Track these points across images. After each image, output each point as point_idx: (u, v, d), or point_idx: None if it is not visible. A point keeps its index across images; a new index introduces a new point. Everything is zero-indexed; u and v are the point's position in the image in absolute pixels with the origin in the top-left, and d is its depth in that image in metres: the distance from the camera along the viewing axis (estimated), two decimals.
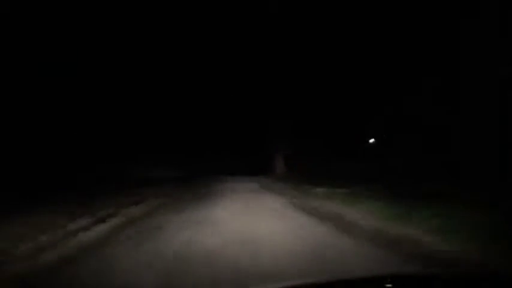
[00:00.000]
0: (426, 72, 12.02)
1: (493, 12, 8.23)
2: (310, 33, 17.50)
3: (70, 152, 15.96)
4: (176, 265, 3.51)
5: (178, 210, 7.50)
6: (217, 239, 4.47)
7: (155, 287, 2.98)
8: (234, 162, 26.98)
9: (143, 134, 22.04)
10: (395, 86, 14.37)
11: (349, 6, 15.38)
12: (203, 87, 23.05)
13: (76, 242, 4.67)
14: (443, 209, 5.41)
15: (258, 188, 13.22)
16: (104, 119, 18.45)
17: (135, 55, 18.84)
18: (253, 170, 23.16)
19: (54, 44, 14.37)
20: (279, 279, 2.90)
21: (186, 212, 7.10)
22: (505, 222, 4.49)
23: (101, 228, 5.49)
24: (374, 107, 16.81)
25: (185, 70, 21.74)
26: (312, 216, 6.43)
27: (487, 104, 8.37)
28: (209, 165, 25.59)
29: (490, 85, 8.33)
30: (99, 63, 16.98)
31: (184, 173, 21.18)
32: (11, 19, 12.15)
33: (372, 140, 19.44)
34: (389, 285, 1.45)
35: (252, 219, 6.09)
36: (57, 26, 14.18)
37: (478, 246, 3.63)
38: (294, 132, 20.84)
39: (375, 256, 3.76)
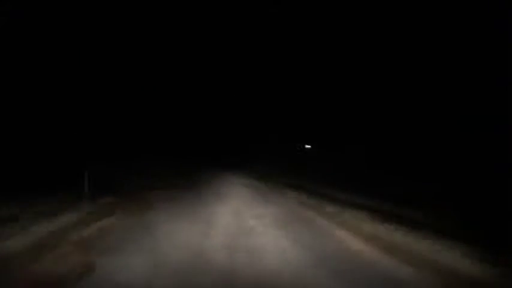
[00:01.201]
0: None
1: None
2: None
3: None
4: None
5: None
6: None
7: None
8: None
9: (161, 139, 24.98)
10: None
11: None
12: (213, 105, 25.47)
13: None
14: None
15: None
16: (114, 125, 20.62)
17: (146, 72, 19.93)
18: None
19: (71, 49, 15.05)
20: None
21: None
22: None
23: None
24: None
25: (196, 85, 23.26)
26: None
27: None
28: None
29: None
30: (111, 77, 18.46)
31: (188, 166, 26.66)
32: (11, 19, 12.44)
33: (307, 146, 21.07)
34: None
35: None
36: (61, 28, 14.49)
37: None
38: None
39: None
